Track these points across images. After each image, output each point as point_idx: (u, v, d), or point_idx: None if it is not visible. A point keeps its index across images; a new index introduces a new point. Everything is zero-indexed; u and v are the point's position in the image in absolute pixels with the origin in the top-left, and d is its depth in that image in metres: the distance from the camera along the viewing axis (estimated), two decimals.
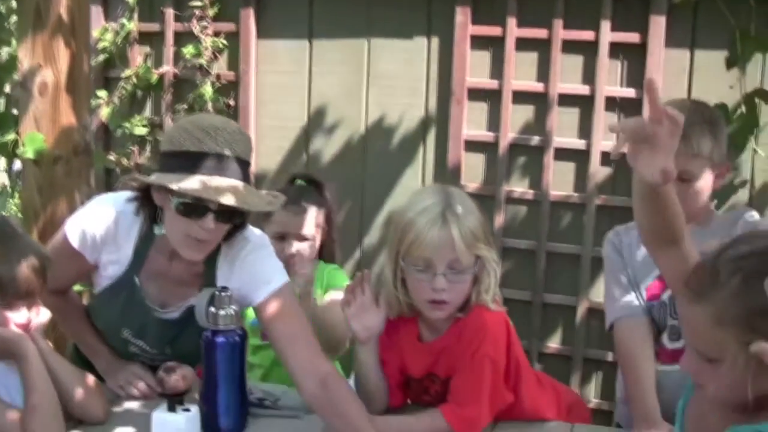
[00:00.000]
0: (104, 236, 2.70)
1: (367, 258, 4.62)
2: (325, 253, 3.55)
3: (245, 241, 2.72)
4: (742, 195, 4.11)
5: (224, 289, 2.56)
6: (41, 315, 2.49)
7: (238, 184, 2.51)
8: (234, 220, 2.60)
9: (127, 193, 2.69)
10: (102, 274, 2.77)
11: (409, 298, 2.63)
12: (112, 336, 2.86)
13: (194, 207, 2.51)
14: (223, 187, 2.48)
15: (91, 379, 2.63)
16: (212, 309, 2.54)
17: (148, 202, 2.63)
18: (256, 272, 2.69)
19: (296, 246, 3.33)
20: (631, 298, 2.86)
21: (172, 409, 2.40)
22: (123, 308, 2.76)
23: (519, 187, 4.46)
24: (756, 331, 1.76)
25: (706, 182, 2.72)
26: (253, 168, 4.59)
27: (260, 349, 3.38)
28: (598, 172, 4.30)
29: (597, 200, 4.31)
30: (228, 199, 2.46)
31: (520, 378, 2.72)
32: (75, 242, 2.71)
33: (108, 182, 4.91)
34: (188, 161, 2.49)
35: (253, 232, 2.77)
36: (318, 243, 3.45)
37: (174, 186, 2.46)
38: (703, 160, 2.68)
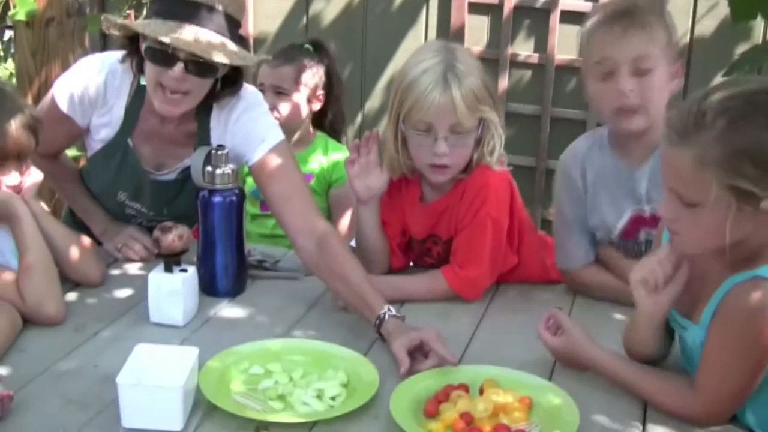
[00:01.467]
0: (93, 98, 2.62)
1: (369, 123, 4.56)
2: (325, 123, 3.48)
3: (238, 98, 2.64)
4: None
5: (220, 147, 2.50)
6: (33, 175, 2.44)
7: (216, 37, 2.43)
8: (206, 74, 2.50)
9: (116, 53, 2.61)
10: (94, 138, 2.71)
11: (410, 160, 2.57)
12: (107, 200, 2.81)
13: (161, 53, 2.44)
14: (197, 37, 2.40)
15: (86, 241, 2.60)
16: (208, 168, 2.49)
17: (135, 53, 2.55)
18: (251, 130, 2.63)
19: (271, 100, 3.24)
20: (586, 248, 2.62)
21: (168, 269, 2.35)
22: (117, 171, 2.70)
23: (523, 50, 4.39)
24: (739, 172, 1.76)
25: (661, 78, 2.43)
26: (252, 31, 4.53)
27: (258, 218, 3.35)
28: None
29: None
30: (190, 47, 2.39)
31: (524, 239, 2.68)
32: (63, 106, 2.64)
33: (104, 46, 4.79)
34: (169, 7, 2.42)
35: (246, 88, 2.69)
36: (308, 105, 3.39)
37: (139, 28, 2.40)
38: (659, 50, 2.41)
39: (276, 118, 3.17)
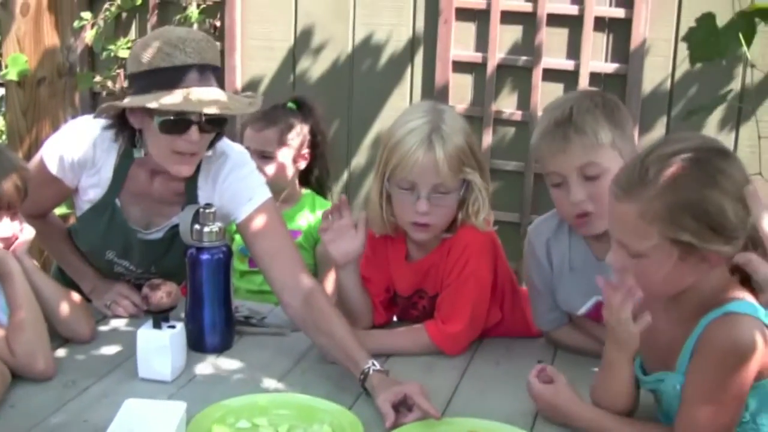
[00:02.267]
0: (82, 159, 2.66)
1: (355, 180, 4.60)
2: (312, 180, 3.52)
3: (225, 157, 2.69)
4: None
5: (208, 205, 2.55)
6: (25, 232, 2.48)
7: (217, 91, 2.49)
8: (218, 128, 2.57)
9: (103, 120, 2.64)
10: (82, 198, 2.74)
11: (394, 217, 2.62)
12: (96, 258, 2.85)
13: (177, 122, 2.48)
14: (203, 96, 2.45)
15: (76, 297, 2.63)
16: (196, 226, 2.54)
17: (125, 127, 2.59)
18: (238, 189, 2.67)
19: (258, 163, 3.28)
20: (558, 312, 2.65)
21: (157, 325, 2.39)
22: (105, 231, 2.74)
23: (507, 107, 4.43)
24: (680, 226, 1.87)
25: None
26: (239, 87, 4.58)
27: (247, 275, 3.38)
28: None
29: None
30: (211, 108, 2.44)
31: (507, 296, 2.73)
32: (53, 168, 2.67)
33: (94, 105, 4.84)
34: (161, 78, 2.45)
35: (233, 147, 2.74)
36: (294, 164, 3.43)
37: (153, 105, 2.43)
38: (608, 150, 2.36)
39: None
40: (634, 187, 1.91)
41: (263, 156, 3.36)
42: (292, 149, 3.42)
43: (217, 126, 2.55)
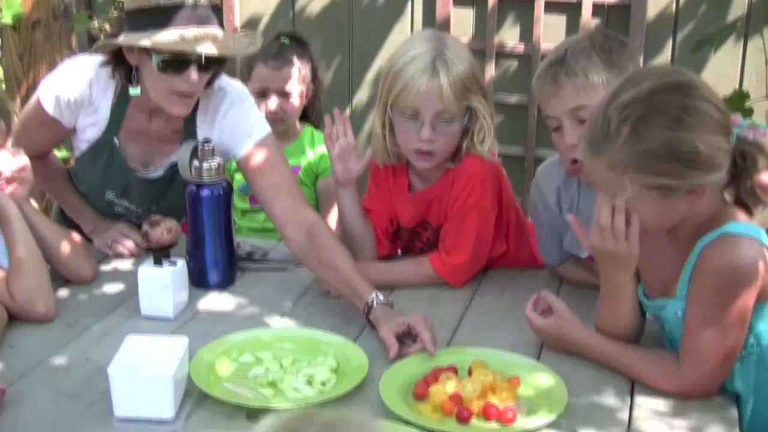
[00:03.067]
0: (79, 99, 2.63)
1: (357, 116, 4.56)
2: (311, 115, 3.49)
3: (224, 93, 2.66)
4: None
5: (207, 141, 2.52)
6: (19, 158, 2.43)
7: (215, 30, 2.45)
8: (216, 68, 2.54)
9: (100, 57, 2.61)
10: (80, 138, 2.72)
11: (397, 147, 2.59)
12: (96, 199, 2.83)
13: (175, 62, 2.44)
14: (201, 36, 2.41)
15: (77, 238, 2.61)
16: (195, 162, 2.51)
17: (122, 64, 2.55)
18: (237, 125, 2.64)
19: (277, 102, 3.28)
20: (560, 248, 2.62)
21: (158, 262, 2.37)
22: (104, 170, 2.71)
23: (509, 40, 4.38)
24: (650, 171, 1.86)
25: None
26: (238, 25, 4.53)
27: (248, 213, 3.36)
28: (589, 23, 4.20)
29: None
30: (208, 48, 2.40)
31: (512, 227, 2.70)
32: (50, 108, 2.64)
33: (91, 47, 4.80)
34: (160, 15, 2.41)
35: (231, 83, 2.70)
36: (301, 101, 3.39)
37: (146, 43, 2.39)
38: (600, 91, 2.25)
39: (280, 119, 3.21)
40: (599, 142, 1.90)
41: (282, 93, 3.32)
42: (303, 85, 3.38)
43: (216, 66, 2.52)
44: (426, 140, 2.49)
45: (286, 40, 3.44)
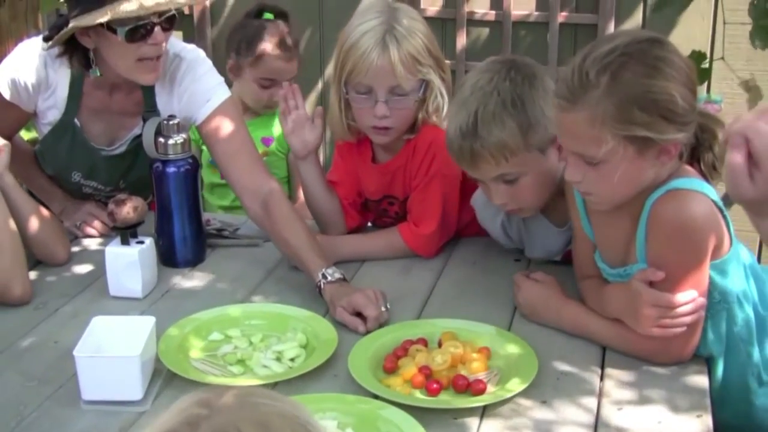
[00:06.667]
0: (35, 82, 2.59)
1: (330, 87, 4.52)
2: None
3: (179, 60, 2.63)
4: None
5: (171, 117, 2.49)
6: None
7: None
8: (175, 23, 2.50)
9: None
10: (42, 121, 2.69)
11: (355, 122, 2.56)
12: (63, 180, 2.80)
13: (141, 28, 2.41)
14: None
15: (54, 219, 2.58)
16: (160, 139, 2.48)
17: (76, 50, 2.52)
18: (196, 90, 2.62)
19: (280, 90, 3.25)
20: None
21: (125, 242, 2.35)
22: (68, 152, 2.68)
23: (480, 7, 4.36)
24: (631, 121, 1.83)
25: (536, 179, 2.29)
26: (207, 1, 4.49)
27: (218, 188, 3.34)
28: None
29: (559, 18, 4.20)
30: (170, 3, 2.39)
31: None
32: (6, 93, 2.60)
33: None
34: None
35: (186, 48, 2.68)
36: None
37: (106, 18, 2.34)
38: (522, 154, 2.22)
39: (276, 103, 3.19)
40: (577, 94, 1.87)
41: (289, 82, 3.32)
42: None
43: (175, 21, 2.49)
44: (381, 116, 2.46)
45: (269, 15, 3.42)
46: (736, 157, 1.35)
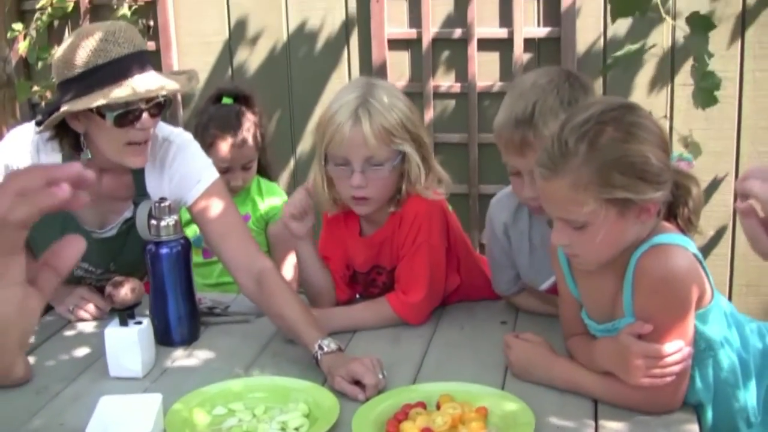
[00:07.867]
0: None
1: (302, 166, 4.63)
2: (263, 165, 3.54)
3: (168, 143, 2.72)
4: None
5: (162, 199, 2.56)
6: None
7: (155, 74, 2.53)
8: (163, 109, 2.60)
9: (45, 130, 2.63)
10: None
11: (339, 195, 2.65)
12: None
13: (130, 113, 2.51)
14: (148, 82, 2.48)
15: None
16: (153, 221, 2.55)
17: (67, 134, 2.60)
18: (186, 172, 2.70)
19: (241, 176, 3.35)
20: (513, 279, 2.71)
21: (123, 323, 2.40)
22: (60, 235, 2.71)
23: (445, 81, 4.48)
24: (611, 185, 1.94)
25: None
26: (179, 86, 4.56)
27: (202, 267, 3.40)
28: (521, 58, 4.33)
29: None
30: (160, 91, 2.49)
31: (464, 260, 2.78)
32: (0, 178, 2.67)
33: (33, 115, 4.82)
34: (103, 75, 2.46)
35: (174, 131, 2.77)
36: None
37: (101, 102, 2.42)
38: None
39: (241, 186, 3.26)
40: (558, 163, 1.97)
41: (245, 168, 3.39)
42: (257, 142, 3.44)
43: (163, 107, 2.59)
44: (357, 186, 2.54)
45: (228, 100, 3.48)
46: (749, 221, 1.48)
